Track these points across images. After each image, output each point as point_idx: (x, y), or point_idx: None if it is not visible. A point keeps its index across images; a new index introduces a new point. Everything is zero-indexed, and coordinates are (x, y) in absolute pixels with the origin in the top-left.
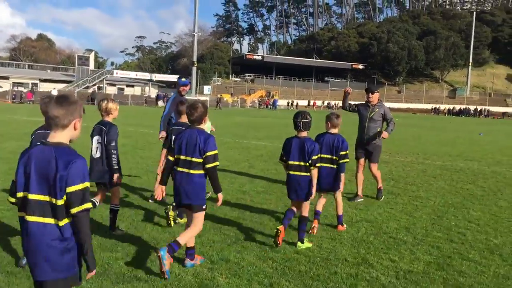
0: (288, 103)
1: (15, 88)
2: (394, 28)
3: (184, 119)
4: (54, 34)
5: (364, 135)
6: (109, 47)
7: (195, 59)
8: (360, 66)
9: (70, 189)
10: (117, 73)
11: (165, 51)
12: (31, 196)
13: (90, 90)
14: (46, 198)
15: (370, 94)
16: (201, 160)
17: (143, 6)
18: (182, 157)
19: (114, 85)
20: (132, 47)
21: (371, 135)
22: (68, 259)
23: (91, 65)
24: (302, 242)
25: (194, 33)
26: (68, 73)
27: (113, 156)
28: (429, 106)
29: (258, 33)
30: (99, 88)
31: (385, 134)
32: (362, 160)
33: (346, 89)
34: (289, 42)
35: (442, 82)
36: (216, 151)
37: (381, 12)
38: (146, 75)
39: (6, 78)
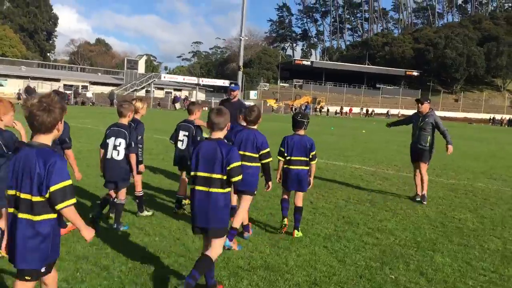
0: (336, 111)
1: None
2: (452, 33)
3: (192, 117)
4: (117, 40)
5: (415, 143)
6: (168, 52)
7: (241, 63)
8: (415, 73)
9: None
10: (164, 77)
11: (220, 56)
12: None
13: (137, 94)
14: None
15: (420, 104)
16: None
17: (201, 13)
18: (241, 152)
19: (162, 88)
20: (189, 53)
21: (422, 142)
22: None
23: (141, 69)
24: (298, 230)
25: (241, 38)
26: (118, 76)
27: (139, 149)
28: (488, 116)
29: (312, 38)
30: (147, 91)
31: (450, 148)
32: (417, 163)
33: (387, 126)
34: (343, 47)
35: (504, 90)
36: (268, 149)
37: (441, 17)
38: (193, 79)
39: (57, 80)
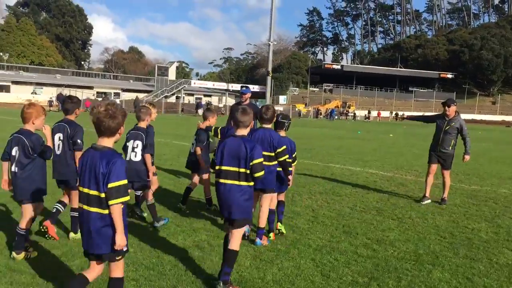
0: (365, 115)
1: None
2: (489, 34)
3: (207, 123)
4: (151, 48)
5: (438, 146)
6: (200, 59)
7: (270, 68)
8: (449, 75)
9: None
10: (194, 83)
11: (251, 62)
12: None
13: (168, 100)
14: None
15: (447, 107)
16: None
17: (233, 19)
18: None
19: (192, 94)
20: (220, 59)
21: (445, 146)
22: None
23: (172, 76)
24: (282, 223)
25: (270, 43)
26: (150, 83)
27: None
28: None
29: (342, 42)
30: (177, 97)
31: (467, 158)
32: (434, 166)
33: (403, 116)
34: (374, 50)
35: None
36: (284, 147)
37: (477, 18)
38: (223, 85)
39: (91, 87)
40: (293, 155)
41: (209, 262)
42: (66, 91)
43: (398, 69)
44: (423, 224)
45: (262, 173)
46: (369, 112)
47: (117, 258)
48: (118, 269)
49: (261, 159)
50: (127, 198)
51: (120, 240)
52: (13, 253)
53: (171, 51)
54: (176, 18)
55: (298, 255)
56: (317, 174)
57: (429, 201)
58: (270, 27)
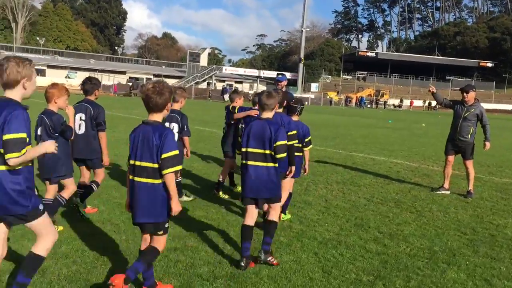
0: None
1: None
2: None
3: (234, 104)
4: (185, 34)
5: (456, 133)
6: (233, 45)
7: (302, 55)
8: (489, 64)
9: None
10: (226, 70)
11: (284, 48)
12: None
13: (200, 86)
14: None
15: (465, 93)
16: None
17: (267, 6)
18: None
19: (223, 81)
20: (253, 45)
21: (463, 134)
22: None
23: (204, 62)
24: (285, 214)
25: (302, 29)
26: (181, 69)
27: None
28: None
29: (378, 29)
30: (208, 83)
31: (487, 145)
32: (451, 157)
33: (430, 88)
34: (411, 38)
35: None
36: (294, 132)
37: None
38: (254, 72)
39: (123, 73)
40: (306, 140)
41: (203, 253)
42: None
43: (435, 57)
44: (444, 218)
45: (284, 154)
46: (401, 101)
47: (161, 232)
48: (161, 241)
49: (284, 141)
50: (179, 167)
51: (176, 206)
52: None
53: (205, 37)
54: (210, 4)
55: (300, 249)
56: (338, 163)
57: (447, 192)
58: (303, 13)
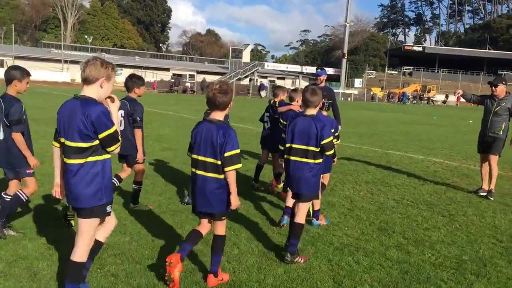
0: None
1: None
2: None
3: (277, 99)
4: (229, 31)
5: (486, 129)
6: (277, 41)
7: (345, 50)
8: None
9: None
10: (268, 66)
11: (328, 44)
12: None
13: (242, 82)
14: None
15: (493, 87)
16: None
17: (311, 1)
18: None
19: (265, 77)
20: (297, 41)
21: (495, 130)
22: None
23: (246, 58)
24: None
25: (346, 24)
26: (224, 65)
27: None
28: None
29: (426, 23)
30: (250, 79)
31: None
32: (484, 155)
33: (457, 94)
34: (461, 31)
35: None
36: (331, 138)
37: None
38: (297, 68)
39: (167, 69)
40: (336, 134)
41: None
42: (140, 73)
43: (487, 51)
44: (479, 223)
45: (332, 151)
46: (446, 97)
47: (223, 218)
48: (222, 228)
49: (331, 138)
50: (240, 165)
51: (235, 201)
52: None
53: (248, 34)
54: (255, 0)
55: (313, 255)
56: (371, 161)
57: (485, 194)
58: (347, 7)
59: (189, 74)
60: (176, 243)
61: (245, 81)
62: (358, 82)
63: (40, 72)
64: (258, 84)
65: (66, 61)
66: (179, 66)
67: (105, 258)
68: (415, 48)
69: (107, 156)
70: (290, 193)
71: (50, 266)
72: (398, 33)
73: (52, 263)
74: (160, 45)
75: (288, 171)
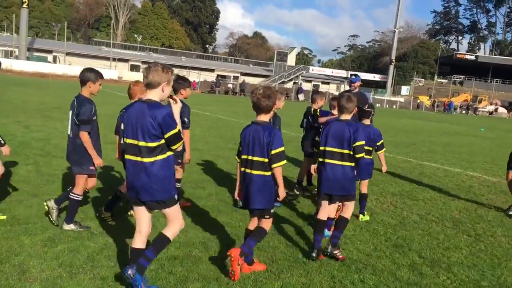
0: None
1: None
2: None
3: (314, 106)
4: (276, 34)
5: None
6: (325, 46)
7: (393, 56)
8: None
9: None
10: (312, 70)
11: (376, 50)
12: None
13: (286, 86)
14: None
15: None
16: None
17: (361, 6)
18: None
19: (309, 81)
20: (344, 46)
21: None
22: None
23: (291, 61)
24: (364, 215)
25: (395, 30)
26: (269, 68)
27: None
28: None
29: (481, 31)
30: (295, 83)
31: None
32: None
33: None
34: None
35: None
36: (363, 142)
37: None
38: (342, 73)
39: (212, 70)
40: (378, 143)
41: (204, 265)
42: (186, 72)
43: None
44: (507, 246)
45: (362, 154)
46: (496, 110)
47: (267, 216)
48: (267, 223)
49: (362, 142)
50: (285, 162)
51: (282, 193)
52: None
53: (296, 37)
54: (304, 4)
55: (316, 269)
56: (402, 173)
57: None
58: (397, 13)
59: (233, 76)
60: (182, 245)
61: (289, 85)
62: (405, 90)
63: None
64: (296, 88)
65: (114, 59)
66: (223, 68)
67: (98, 260)
68: (468, 56)
69: (171, 153)
70: (324, 206)
71: (41, 264)
72: (450, 41)
73: (44, 261)
74: (207, 46)
75: (323, 174)
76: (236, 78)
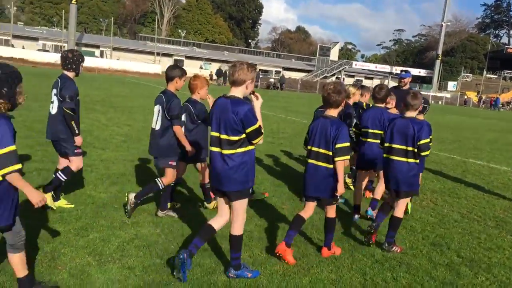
0: None
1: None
2: None
3: (350, 100)
4: (320, 28)
5: None
6: (369, 40)
7: (440, 51)
8: None
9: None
10: (355, 65)
11: (422, 44)
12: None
13: (328, 80)
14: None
15: None
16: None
17: (407, 0)
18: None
19: (352, 76)
20: (390, 40)
21: None
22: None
23: (334, 56)
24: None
25: (442, 23)
26: (311, 63)
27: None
28: None
29: None
30: (337, 78)
31: None
32: None
33: None
34: None
35: None
36: (428, 140)
37: None
38: (386, 68)
39: (254, 65)
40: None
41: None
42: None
43: None
44: None
45: (427, 152)
46: None
47: (333, 202)
48: (332, 211)
49: (427, 140)
50: (348, 157)
51: (341, 188)
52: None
53: (340, 32)
54: None
55: (348, 266)
56: (444, 169)
57: None
58: (445, 6)
59: (275, 71)
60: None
61: (332, 79)
62: (452, 85)
63: (134, 63)
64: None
65: (158, 54)
66: (266, 62)
67: (128, 249)
68: None
69: (252, 147)
70: (380, 187)
71: (71, 252)
72: (501, 35)
73: (74, 249)
74: (250, 41)
75: (388, 169)
76: (278, 73)
